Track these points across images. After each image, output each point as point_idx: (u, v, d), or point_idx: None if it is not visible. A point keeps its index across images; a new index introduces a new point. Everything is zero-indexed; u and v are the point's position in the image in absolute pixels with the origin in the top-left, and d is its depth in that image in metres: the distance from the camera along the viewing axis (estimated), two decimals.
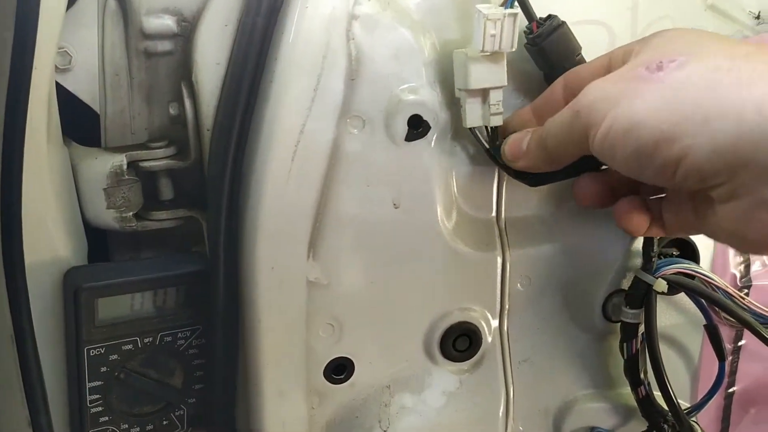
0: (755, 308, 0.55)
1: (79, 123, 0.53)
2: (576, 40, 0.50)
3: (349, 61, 0.48)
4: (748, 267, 0.59)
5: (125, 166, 0.51)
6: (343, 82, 0.48)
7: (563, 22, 0.49)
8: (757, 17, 0.60)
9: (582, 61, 0.51)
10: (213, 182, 0.50)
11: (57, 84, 0.50)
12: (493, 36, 0.46)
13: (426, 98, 0.50)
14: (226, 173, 0.50)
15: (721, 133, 0.36)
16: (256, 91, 0.49)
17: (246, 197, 0.49)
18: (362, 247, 0.52)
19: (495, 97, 0.49)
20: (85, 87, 0.53)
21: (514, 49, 0.47)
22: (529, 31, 0.49)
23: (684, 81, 0.38)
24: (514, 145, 0.49)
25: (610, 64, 0.46)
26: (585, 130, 0.42)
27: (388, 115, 0.50)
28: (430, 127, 0.50)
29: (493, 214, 0.56)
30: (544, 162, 0.47)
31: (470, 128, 0.50)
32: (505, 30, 0.46)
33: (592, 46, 0.53)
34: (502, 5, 0.48)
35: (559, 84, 0.49)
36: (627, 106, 0.39)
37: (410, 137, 0.50)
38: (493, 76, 0.48)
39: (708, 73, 0.38)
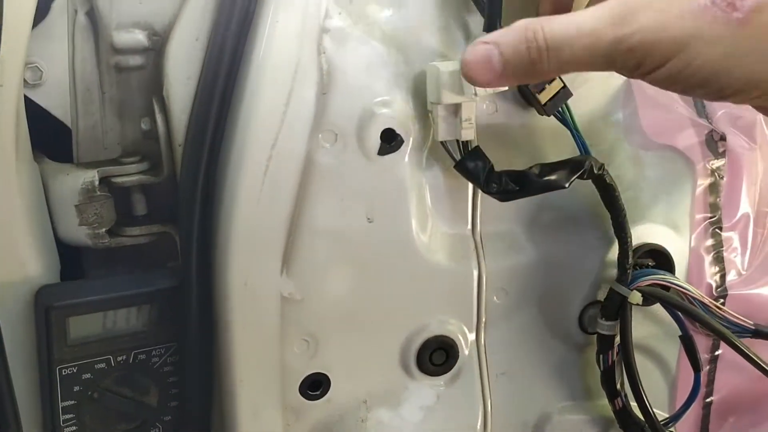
0: (731, 317, 0.55)
1: (51, 138, 0.53)
2: None
3: (320, 75, 0.48)
4: (723, 276, 0.59)
5: (97, 182, 0.51)
6: (315, 96, 0.48)
7: None
8: None
9: None
10: (185, 197, 0.50)
11: (28, 99, 0.50)
12: None
13: (399, 112, 0.50)
14: (198, 188, 0.49)
15: None
16: (228, 106, 0.49)
17: (218, 212, 0.49)
18: (336, 261, 0.51)
19: (467, 111, 0.49)
20: (56, 102, 0.52)
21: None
22: None
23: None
24: (481, 63, 0.40)
25: None
26: (635, 65, 0.38)
27: (361, 129, 0.49)
28: (403, 141, 0.50)
29: (469, 227, 0.56)
30: (529, 78, 0.41)
31: (442, 142, 0.50)
32: None
33: None
34: None
35: None
36: (703, 51, 0.36)
37: (383, 151, 0.50)
38: (464, 90, 0.48)
39: None
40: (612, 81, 0.58)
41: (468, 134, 0.49)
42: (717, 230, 0.59)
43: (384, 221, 0.52)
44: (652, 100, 0.58)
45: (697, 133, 0.58)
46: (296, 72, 0.47)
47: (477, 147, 0.50)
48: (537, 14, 0.48)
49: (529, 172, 0.49)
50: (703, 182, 0.58)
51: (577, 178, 0.50)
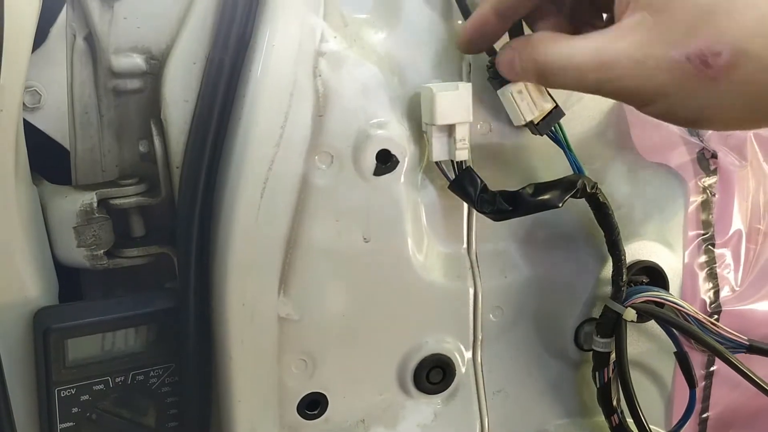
0: (726, 333, 0.56)
1: (50, 160, 0.53)
2: None
3: (316, 97, 0.49)
4: (717, 292, 0.59)
5: (95, 204, 0.51)
6: (311, 118, 0.49)
7: None
8: None
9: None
10: (183, 219, 0.50)
11: (27, 122, 0.50)
12: (528, 104, 0.50)
13: (394, 133, 0.51)
14: (196, 210, 0.50)
15: None
16: (225, 129, 0.49)
17: (216, 234, 0.49)
18: (333, 281, 0.52)
19: (461, 132, 0.49)
20: (55, 125, 0.53)
21: (553, 105, 0.51)
22: (490, 65, 0.50)
23: (742, 83, 0.37)
24: (507, 64, 0.48)
25: None
26: (621, 101, 0.42)
27: (357, 150, 0.50)
28: (398, 162, 0.51)
29: (464, 245, 0.56)
30: (539, 83, 0.48)
31: (436, 162, 0.51)
32: (532, 92, 0.50)
33: None
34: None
35: None
36: (681, 102, 0.39)
37: (379, 172, 0.51)
38: (458, 111, 0.49)
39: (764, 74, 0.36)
40: (604, 101, 0.58)
41: (462, 155, 0.50)
42: (710, 247, 0.59)
43: (380, 241, 0.52)
44: (643, 119, 0.58)
45: (688, 151, 0.59)
46: (292, 95, 0.48)
47: (469, 167, 0.51)
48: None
49: (522, 192, 0.50)
50: (696, 199, 0.59)
51: (570, 197, 0.50)
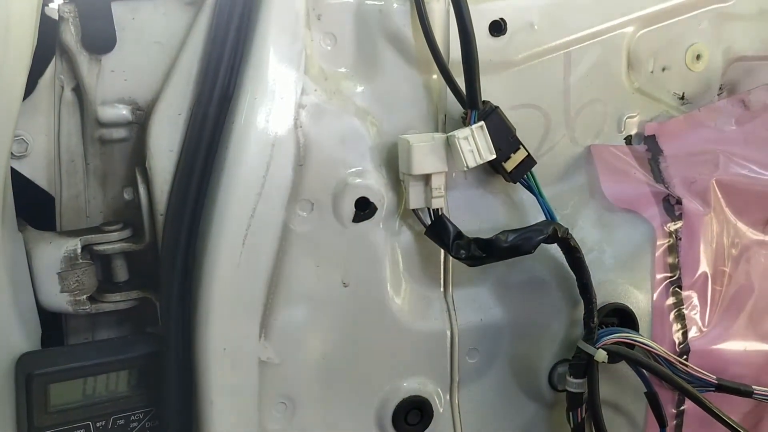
0: (694, 372, 0.57)
1: (35, 207, 0.54)
2: (509, 122, 0.53)
3: (297, 148, 0.50)
4: (685, 333, 0.61)
5: (79, 250, 0.52)
6: (292, 168, 0.50)
7: (496, 107, 0.52)
8: (682, 98, 0.65)
9: (516, 142, 0.53)
10: (166, 265, 0.51)
11: (13, 170, 0.51)
12: (471, 151, 0.50)
13: (372, 181, 0.52)
14: (179, 256, 0.51)
15: None
16: (208, 178, 0.51)
17: (198, 279, 0.50)
18: (313, 325, 0.53)
19: (437, 181, 0.51)
20: (41, 172, 0.54)
21: (494, 156, 0.51)
22: (464, 117, 0.52)
23: None
24: None
25: None
26: None
27: (336, 198, 0.52)
28: (376, 209, 0.52)
29: (441, 289, 0.58)
30: None
31: (413, 209, 0.52)
32: (479, 142, 0.50)
33: (528, 127, 0.57)
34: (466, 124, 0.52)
35: None
36: None
37: (357, 219, 0.52)
38: (434, 161, 0.51)
39: None
40: (574, 149, 0.61)
41: (438, 202, 0.52)
42: (677, 289, 0.61)
43: (359, 285, 0.53)
44: (611, 167, 0.60)
45: (654, 197, 0.61)
46: (274, 145, 0.49)
47: (443, 215, 0.52)
48: None
49: (495, 239, 0.51)
50: (663, 243, 0.60)
51: (542, 242, 0.52)
